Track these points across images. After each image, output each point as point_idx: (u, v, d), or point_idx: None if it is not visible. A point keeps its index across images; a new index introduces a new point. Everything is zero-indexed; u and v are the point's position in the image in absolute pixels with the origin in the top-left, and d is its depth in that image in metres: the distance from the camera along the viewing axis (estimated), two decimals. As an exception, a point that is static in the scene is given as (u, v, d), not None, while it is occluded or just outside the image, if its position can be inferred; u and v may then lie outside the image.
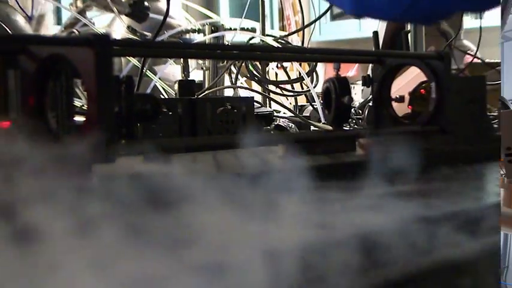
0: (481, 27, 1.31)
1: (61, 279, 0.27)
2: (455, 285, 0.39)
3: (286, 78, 1.30)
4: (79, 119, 0.45)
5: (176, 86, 0.89)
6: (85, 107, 0.43)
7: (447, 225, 0.40)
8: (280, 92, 1.24)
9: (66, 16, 1.49)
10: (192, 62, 1.27)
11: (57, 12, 2.67)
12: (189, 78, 1.19)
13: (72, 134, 0.44)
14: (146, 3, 1.42)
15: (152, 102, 0.53)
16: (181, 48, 0.64)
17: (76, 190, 0.36)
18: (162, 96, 1.18)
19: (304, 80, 1.23)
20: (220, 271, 0.29)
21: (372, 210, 0.41)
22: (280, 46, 1.22)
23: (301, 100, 1.32)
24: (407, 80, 0.84)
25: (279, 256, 0.31)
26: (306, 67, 1.29)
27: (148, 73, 1.18)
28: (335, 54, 0.73)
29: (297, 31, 1.47)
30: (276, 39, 1.29)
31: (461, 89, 0.71)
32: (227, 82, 1.23)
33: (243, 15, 1.35)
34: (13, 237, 0.30)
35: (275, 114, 1.05)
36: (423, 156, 0.52)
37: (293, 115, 1.08)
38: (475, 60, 1.38)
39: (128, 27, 1.41)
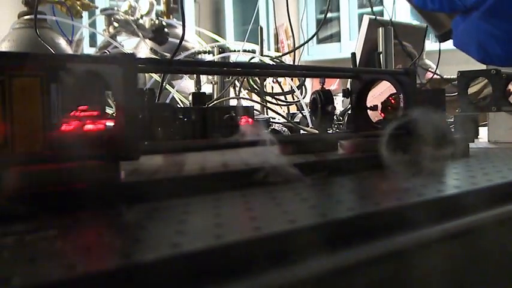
0: (440, 50, 1.30)
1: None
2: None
3: (280, 91, 1.30)
4: (110, 124, 0.45)
5: (190, 97, 0.89)
6: (115, 114, 0.42)
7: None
8: (275, 102, 1.24)
9: (100, 40, 1.49)
10: (203, 78, 1.27)
11: (93, 36, 2.67)
12: (200, 91, 1.18)
13: (104, 136, 0.43)
14: (166, 30, 1.42)
15: (170, 111, 0.53)
16: (194, 66, 0.64)
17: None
18: (179, 106, 1.17)
19: (295, 92, 1.22)
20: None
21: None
22: (275, 64, 1.22)
23: (293, 109, 1.32)
24: (380, 92, 0.84)
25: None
26: (296, 81, 1.28)
27: (168, 86, 1.17)
28: (320, 71, 0.73)
29: (289, 52, 1.46)
30: (272, 58, 1.28)
31: (424, 99, 0.71)
32: (232, 94, 1.22)
33: (245, 39, 1.34)
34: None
35: (271, 120, 1.05)
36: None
37: (286, 121, 1.08)
38: (435, 76, 1.38)
39: (151, 49, 1.40)
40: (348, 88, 0.71)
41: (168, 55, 1.34)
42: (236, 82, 1.20)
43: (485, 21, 0.50)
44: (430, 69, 1.52)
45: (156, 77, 1.21)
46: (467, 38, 0.53)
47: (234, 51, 1.29)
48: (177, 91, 1.21)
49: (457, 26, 0.54)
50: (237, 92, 1.21)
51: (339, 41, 4.04)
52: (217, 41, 1.43)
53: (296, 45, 1.43)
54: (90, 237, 0.32)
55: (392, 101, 0.72)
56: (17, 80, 0.39)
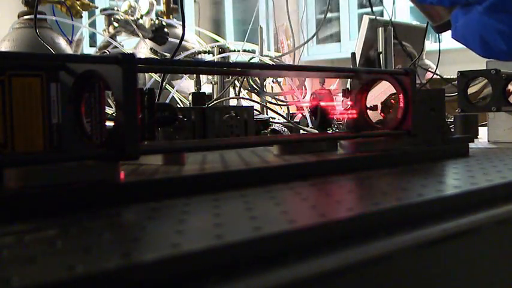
0: (439, 50, 1.30)
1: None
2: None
3: (280, 91, 1.30)
4: (109, 124, 0.44)
5: (190, 97, 0.89)
6: (115, 114, 0.42)
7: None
8: (275, 102, 1.24)
9: (100, 40, 1.49)
10: (203, 77, 1.27)
11: (93, 36, 2.67)
12: (200, 91, 1.18)
13: (104, 136, 0.43)
14: (166, 30, 1.42)
15: (170, 111, 0.53)
16: (194, 66, 0.64)
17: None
18: (179, 106, 1.17)
19: (294, 92, 1.22)
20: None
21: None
22: (275, 64, 1.22)
23: (292, 109, 1.32)
24: (380, 92, 0.83)
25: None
26: (296, 81, 1.28)
27: (167, 86, 1.17)
28: (320, 71, 0.73)
29: (289, 52, 1.46)
30: (271, 59, 1.28)
31: (423, 99, 0.71)
32: (232, 94, 1.22)
33: (245, 39, 1.34)
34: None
35: (271, 120, 1.05)
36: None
37: (286, 121, 1.08)
38: (435, 76, 1.38)
39: (151, 48, 1.40)
40: (348, 88, 0.71)
41: (168, 55, 1.34)
42: (236, 82, 1.20)
43: (489, 16, 0.51)
44: (430, 69, 1.52)
45: (156, 77, 1.21)
46: (468, 32, 0.53)
47: (234, 51, 1.29)
48: (177, 91, 1.21)
49: (456, 19, 0.54)
50: (237, 92, 1.21)
51: (339, 41, 4.04)
52: (217, 41, 1.43)
53: (296, 45, 1.43)
54: (90, 237, 0.32)
55: (392, 101, 0.72)
56: (17, 79, 0.39)
